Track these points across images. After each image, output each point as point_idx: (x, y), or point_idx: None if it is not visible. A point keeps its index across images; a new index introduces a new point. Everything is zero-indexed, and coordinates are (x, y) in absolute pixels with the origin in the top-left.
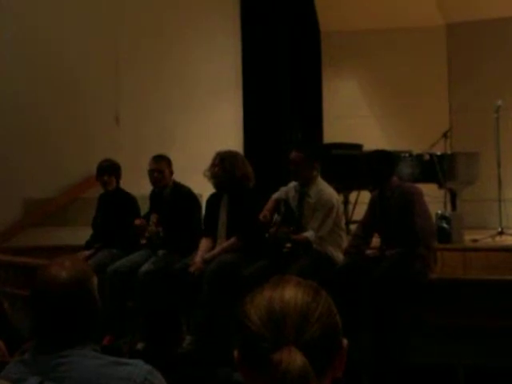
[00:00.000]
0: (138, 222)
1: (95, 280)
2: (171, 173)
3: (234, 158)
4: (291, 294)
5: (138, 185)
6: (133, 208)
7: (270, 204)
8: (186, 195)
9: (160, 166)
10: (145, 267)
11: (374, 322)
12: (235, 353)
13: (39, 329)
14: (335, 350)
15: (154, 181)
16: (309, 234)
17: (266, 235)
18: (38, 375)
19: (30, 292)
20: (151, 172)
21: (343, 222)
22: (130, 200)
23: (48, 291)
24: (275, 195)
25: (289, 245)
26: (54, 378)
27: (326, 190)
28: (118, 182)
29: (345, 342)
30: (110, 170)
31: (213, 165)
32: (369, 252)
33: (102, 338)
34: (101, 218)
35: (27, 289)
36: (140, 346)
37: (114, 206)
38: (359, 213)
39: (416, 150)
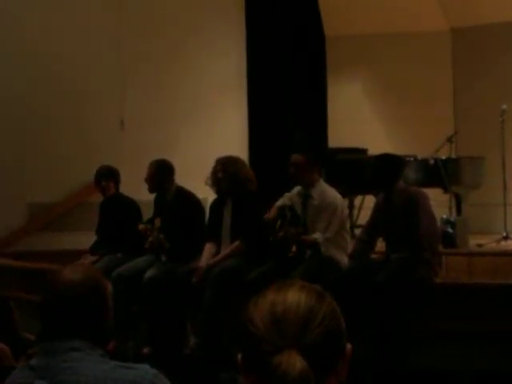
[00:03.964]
0: (141, 227)
1: (110, 286)
2: (165, 177)
3: (236, 162)
4: (294, 297)
5: (142, 190)
6: (134, 212)
7: (273, 211)
8: (187, 200)
9: (148, 171)
10: (149, 272)
11: (379, 326)
12: (239, 356)
13: (49, 332)
14: (338, 355)
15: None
16: (317, 235)
17: (271, 239)
18: (45, 379)
19: (42, 295)
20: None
21: (347, 224)
22: (130, 204)
23: (62, 294)
24: (278, 202)
25: (294, 249)
26: (61, 381)
27: (328, 191)
28: (117, 188)
29: (348, 346)
30: (106, 175)
31: (214, 171)
32: (374, 256)
33: (108, 343)
34: (103, 224)
35: (31, 293)
36: (145, 350)
37: (115, 211)
38: (364, 217)
39: (421, 155)
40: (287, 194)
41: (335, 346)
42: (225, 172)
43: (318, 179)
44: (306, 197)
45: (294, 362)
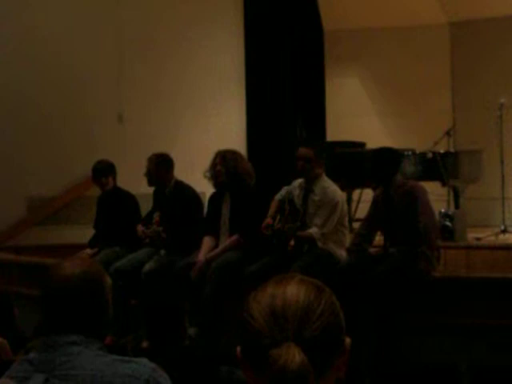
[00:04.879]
0: (139, 229)
1: (108, 280)
2: (164, 171)
3: (235, 156)
4: (294, 291)
5: (141, 183)
6: (132, 206)
7: (273, 205)
8: (186, 194)
9: (148, 165)
10: (148, 266)
11: (377, 321)
12: (237, 350)
13: (48, 326)
14: (337, 349)
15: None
16: (313, 230)
17: (270, 233)
18: (43, 373)
19: (41, 289)
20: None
21: (346, 219)
22: (128, 198)
23: (61, 288)
24: (277, 196)
25: (292, 242)
26: (59, 375)
27: (330, 187)
28: (115, 181)
29: (347, 340)
30: (105, 171)
31: (214, 164)
32: (372, 250)
33: (105, 337)
34: (102, 218)
35: (31, 287)
36: (144, 344)
37: (114, 205)
38: (362, 211)
39: (419, 148)
40: (286, 188)
41: (334, 340)
42: (224, 165)
43: (321, 174)
44: (307, 191)
45: (293, 355)
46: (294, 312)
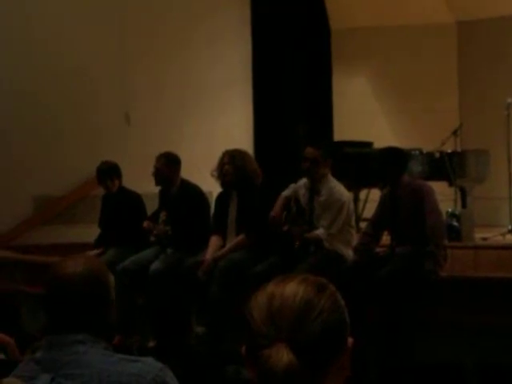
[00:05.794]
0: (145, 224)
1: (112, 278)
2: (173, 171)
3: (244, 155)
4: (293, 290)
5: (147, 183)
6: (138, 206)
7: (279, 201)
8: (192, 193)
9: (156, 164)
10: (154, 265)
11: (383, 320)
12: (243, 349)
13: (53, 325)
14: (338, 349)
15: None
16: (320, 231)
17: (277, 233)
18: (50, 372)
19: (44, 288)
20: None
21: (353, 219)
22: (134, 198)
23: (64, 287)
24: (285, 192)
25: (298, 243)
26: (66, 374)
27: (336, 187)
28: (120, 182)
29: (350, 340)
30: (111, 173)
31: (221, 163)
32: (379, 250)
33: (113, 337)
34: (108, 218)
35: (36, 286)
36: (151, 343)
37: (120, 205)
38: (369, 210)
39: (426, 148)
40: (293, 185)
41: (334, 340)
42: (232, 164)
43: (327, 174)
44: (313, 192)
45: (282, 356)
46: (289, 312)
